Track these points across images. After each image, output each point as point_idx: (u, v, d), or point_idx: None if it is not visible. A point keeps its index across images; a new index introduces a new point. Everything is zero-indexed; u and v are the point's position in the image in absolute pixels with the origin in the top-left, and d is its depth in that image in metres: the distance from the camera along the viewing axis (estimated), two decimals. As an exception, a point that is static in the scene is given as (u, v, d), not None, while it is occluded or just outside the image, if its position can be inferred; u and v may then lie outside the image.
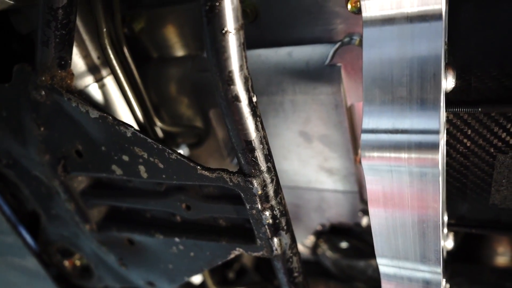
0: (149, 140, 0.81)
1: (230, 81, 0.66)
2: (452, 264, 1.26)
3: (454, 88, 0.76)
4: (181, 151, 1.17)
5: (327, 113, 0.97)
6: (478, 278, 1.18)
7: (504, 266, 1.41)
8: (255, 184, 0.77)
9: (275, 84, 0.99)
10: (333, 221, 1.21)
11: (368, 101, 0.66)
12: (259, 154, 0.74)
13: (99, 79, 0.94)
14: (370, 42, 0.65)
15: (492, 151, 0.77)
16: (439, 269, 0.75)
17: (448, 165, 0.82)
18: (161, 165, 0.84)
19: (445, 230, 0.92)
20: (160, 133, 1.16)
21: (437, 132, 0.61)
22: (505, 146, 0.75)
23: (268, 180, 0.78)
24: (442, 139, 0.65)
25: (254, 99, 0.70)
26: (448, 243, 0.96)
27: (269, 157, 0.76)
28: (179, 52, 1.13)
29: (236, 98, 0.68)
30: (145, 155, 0.84)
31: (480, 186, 0.82)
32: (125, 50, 0.97)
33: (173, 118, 1.19)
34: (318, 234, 1.37)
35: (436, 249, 0.72)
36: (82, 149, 0.91)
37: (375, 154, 0.65)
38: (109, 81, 0.98)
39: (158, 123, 1.08)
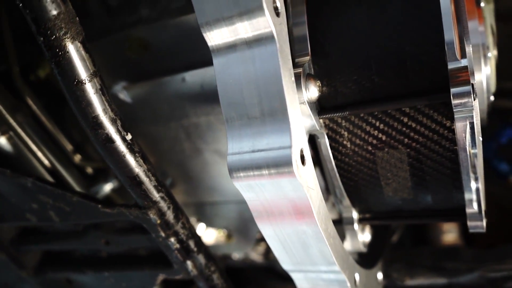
0: (49, 186, 0.84)
1: (96, 126, 0.69)
2: (394, 251, 1.29)
3: (324, 95, 0.79)
4: (110, 184, 1.20)
5: (231, 130, 1.00)
6: (417, 261, 1.21)
7: (446, 245, 1.45)
8: (151, 215, 0.80)
9: (178, 110, 1.02)
10: (269, 228, 1.24)
11: (229, 126, 0.69)
12: (148, 187, 0.77)
13: (4, 131, 0.97)
14: (220, 69, 0.68)
15: (370, 149, 0.80)
16: (337, 268, 0.78)
17: (338, 167, 0.85)
18: (67, 208, 0.87)
19: (356, 226, 0.95)
20: (89, 170, 1.19)
21: (289, 147, 0.64)
22: (379, 142, 0.78)
23: (165, 209, 0.81)
24: (306, 149, 0.68)
25: (128, 137, 0.73)
26: (365, 237, 1.00)
27: (159, 187, 0.79)
28: (94, 88, 1.15)
29: (108, 140, 0.71)
30: (51, 201, 0.87)
31: (371, 182, 0.85)
32: (28, 99, 1.00)
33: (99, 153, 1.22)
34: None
35: (326, 251, 0.75)
36: (-3, 202, 0.94)
37: (241, 174, 0.68)
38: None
39: (78, 162, 1.11)
